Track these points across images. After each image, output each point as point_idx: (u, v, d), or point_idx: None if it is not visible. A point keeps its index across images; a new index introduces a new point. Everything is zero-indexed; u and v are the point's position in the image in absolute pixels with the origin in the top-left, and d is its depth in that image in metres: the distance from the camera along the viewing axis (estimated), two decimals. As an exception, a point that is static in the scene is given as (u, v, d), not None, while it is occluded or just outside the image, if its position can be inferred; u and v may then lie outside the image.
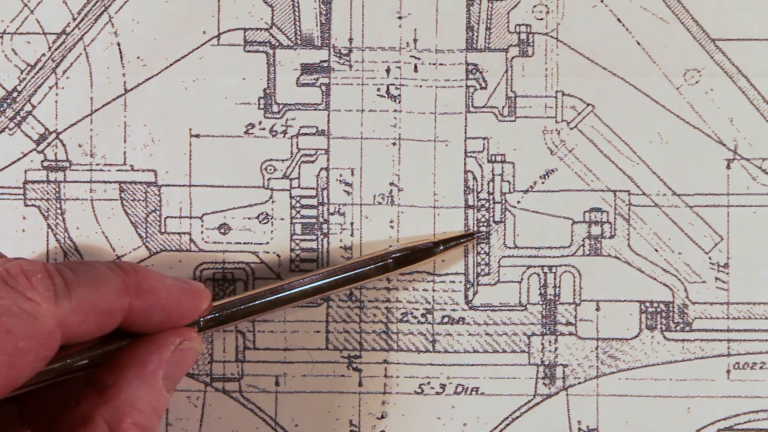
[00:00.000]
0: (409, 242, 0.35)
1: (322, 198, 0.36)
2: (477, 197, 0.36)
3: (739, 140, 0.35)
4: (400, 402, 0.36)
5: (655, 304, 0.36)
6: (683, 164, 0.36)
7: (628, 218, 0.36)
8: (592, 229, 0.36)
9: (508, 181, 0.36)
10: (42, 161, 0.36)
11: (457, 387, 0.36)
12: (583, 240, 0.36)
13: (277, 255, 0.36)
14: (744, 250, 0.36)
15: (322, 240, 0.36)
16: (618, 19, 0.36)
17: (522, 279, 0.36)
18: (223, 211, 0.36)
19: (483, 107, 0.36)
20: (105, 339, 0.30)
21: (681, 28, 0.36)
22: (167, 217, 0.36)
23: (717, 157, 0.36)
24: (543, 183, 0.36)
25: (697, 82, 0.36)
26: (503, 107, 0.36)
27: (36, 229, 0.36)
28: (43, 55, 0.35)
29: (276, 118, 0.36)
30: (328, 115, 0.36)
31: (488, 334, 0.36)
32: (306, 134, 0.36)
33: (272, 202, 0.36)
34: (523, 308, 0.36)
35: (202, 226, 0.36)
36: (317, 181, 0.36)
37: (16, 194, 0.36)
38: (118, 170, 0.36)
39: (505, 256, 0.36)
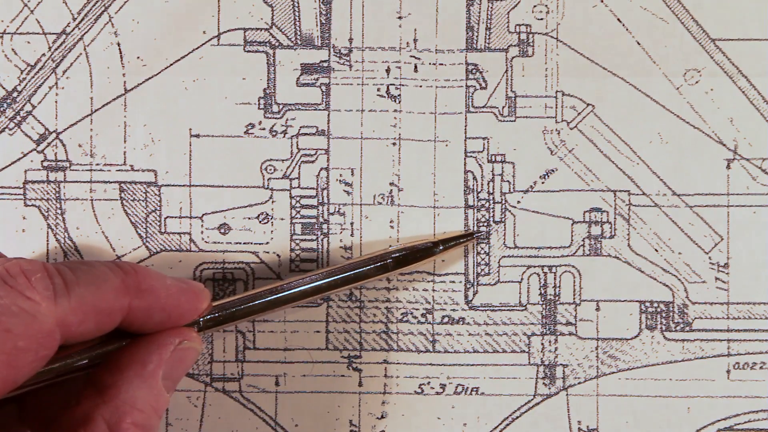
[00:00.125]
0: (409, 242, 0.35)
1: (322, 198, 0.36)
2: (477, 197, 0.36)
3: (739, 140, 0.35)
4: (400, 402, 0.36)
5: (655, 304, 0.36)
6: (683, 164, 0.36)
7: (628, 218, 0.36)
8: (592, 229, 0.36)
9: (508, 181, 0.36)
10: (42, 161, 0.36)
11: (457, 387, 0.36)
12: (583, 240, 0.36)
13: (277, 255, 0.36)
14: (744, 250, 0.35)
15: (322, 240, 0.36)
16: (618, 19, 0.36)
17: (522, 279, 0.36)
18: (223, 211, 0.36)
19: (483, 107, 0.36)
20: (104, 339, 0.30)
21: (681, 28, 0.36)
22: (167, 217, 0.36)
23: (717, 157, 0.36)
24: (543, 183, 0.36)
25: (697, 82, 0.36)
26: (503, 107, 0.36)
27: (36, 229, 0.36)
28: (43, 55, 0.35)
29: (276, 118, 0.36)
30: (328, 115, 0.36)
31: (488, 334, 0.36)
32: (306, 134, 0.36)
33: (272, 202, 0.36)
34: (523, 308, 0.36)
35: (202, 226, 0.36)
36: (317, 181, 0.36)
37: (16, 194, 0.36)
38: (118, 170, 0.36)
39: (505, 256, 0.36)
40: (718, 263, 0.36)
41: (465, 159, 0.36)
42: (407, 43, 0.36)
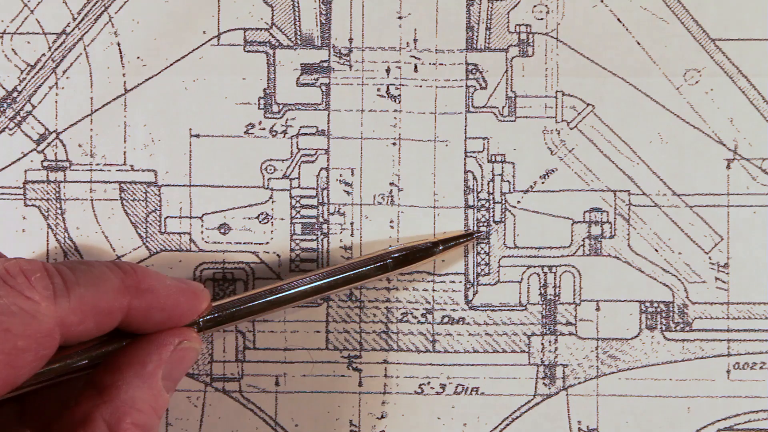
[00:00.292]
0: (409, 242, 0.35)
1: (322, 198, 0.36)
2: (477, 197, 0.36)
3: (739, 140, 0.35)
4: (400, 402, 0.36)
5: (655, 304, 0.36)
6: (683, 164, 0.36)
7: (628, 218, 0.36)
8: (592, 229, 0.36)
9: (508, 181, 0.36)
10: (42, 161, 0.36)
11: (457, 387, 0.36)
12: (583, 240, 0.36)
13: (277, 255, 0.36)
14: (744, 250, 0.35)
15: (322, 240, 0.36)
16: (618, 19, 0.36)
17: (522, 279, 0.36)
18: (223, 211, 0.36)
19: (483, 107, 0.36)
20: (104, 339, 0.30)
21: (681, 28, 0.36)
22: (167, 217, 0.36)
23: (717, 157, 0.36)
24: (543, 183, 0.36)
25: (697, 82, 0.36)
26: (503, 107, 0.36)
27: (36, 229, 0.36)
28: (43, 55, 0.35)
29: (276, 118, 0.36)
30: (328, 115, 0.36)
31: (488, 334, 0.36)
32: (306, 134, 0.36)
33: (272, 202, 0.36)
34: (523, 308, 0.36)
35: (202, 226, 0.36)
36: (317, 181, 0.36)
37: (16, 194, 0.36)
38: (118, 170, 0.36)
39: (505, 256, 0.36)
40: (718, 263, 0.36)
41: (465, 159, 0.36)
42: (407, 43, 0.36)
